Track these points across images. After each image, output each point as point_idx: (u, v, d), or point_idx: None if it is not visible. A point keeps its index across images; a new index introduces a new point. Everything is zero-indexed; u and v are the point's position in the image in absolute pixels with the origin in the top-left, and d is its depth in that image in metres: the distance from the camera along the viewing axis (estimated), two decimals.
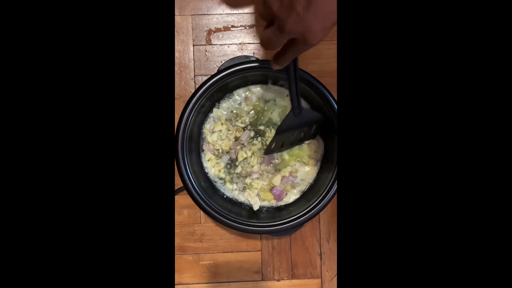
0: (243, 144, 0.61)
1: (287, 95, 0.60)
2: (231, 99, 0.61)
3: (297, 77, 0.48)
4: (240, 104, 0.61)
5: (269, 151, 0.58)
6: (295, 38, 0.36)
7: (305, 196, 0.61)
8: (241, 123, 0.61)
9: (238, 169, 0.61)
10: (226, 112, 0.61)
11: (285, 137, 0.56)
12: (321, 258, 0.66)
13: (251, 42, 0.65)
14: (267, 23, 0.38)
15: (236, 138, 0.61)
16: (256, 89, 0.61)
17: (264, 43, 0.38)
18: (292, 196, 0.61)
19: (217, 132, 0.61)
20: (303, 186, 0.61)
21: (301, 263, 0.65)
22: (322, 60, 0.65)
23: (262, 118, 0.61)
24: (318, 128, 0.58)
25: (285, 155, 0.61)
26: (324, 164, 0.61)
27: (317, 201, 0.55)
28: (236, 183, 0.61)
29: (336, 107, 0.55)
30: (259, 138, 0.60)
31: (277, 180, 0.60)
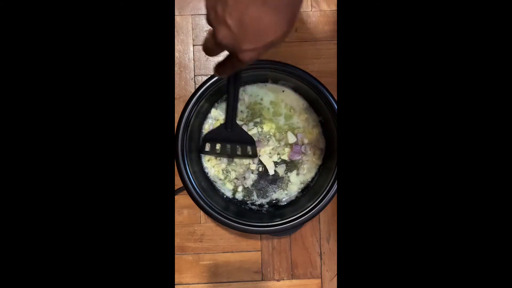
0: None
1: (283, 91, 0.61)
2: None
3: (237, 91, 0.48)
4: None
5: (201, 150, 0.59)
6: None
7: (305, 196, 0.61)
8: (240, 120, 0.61)
9: (232, 174, 0.61)
10: (223, 113, 0.61)
11: (219, 145, 0.57)
12: (321, 258, 0.66)
13: None
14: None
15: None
16: (252, 89, 0.61)
17: (203, 48, 0.37)
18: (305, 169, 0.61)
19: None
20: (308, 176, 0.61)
21: (301, 263, 0.65)
22: (322, 60, 0.65)
23: (258, 114, 0.61)
24: (253, 151, 0.58)
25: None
26: (324, 164, 0.61)
27: (317, 201, 0.55)
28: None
29: (336, 107, 0.55)
30: (258, 126, 0.61)
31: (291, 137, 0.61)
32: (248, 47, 0.32)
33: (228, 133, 0.54)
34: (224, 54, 0.37)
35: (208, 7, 0.32)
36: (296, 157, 0.61)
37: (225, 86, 0.50)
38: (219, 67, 0.40)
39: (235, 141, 0.56)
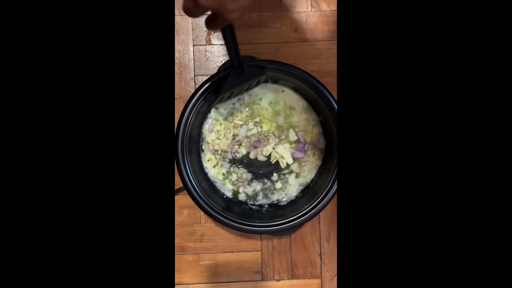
0: (239, 142, 0.61)
1: (283, 91, 0.61)
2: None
3: (234, 37, 0.48)
4: (234, 104, 0.61)
5: (216, 103, 0.58)
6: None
7: (305, 196, 0.61)
8: (240, 120, 0.61)
9: (234, 176, 0.61)
10: (224, 111, 0.61)
11: (232, 91, 0.56)
12: (321, 258, 0.66)
13: (251, 42, 0.65)
14: None
15: (234, 136, 0.61)
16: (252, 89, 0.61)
17: (185, 11, 0.38)
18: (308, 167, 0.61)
19: (215, 132, 0.61)
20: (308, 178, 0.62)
21: (301, 263, 0.65)
22: (322, 60, 0.65)
23: (258, 114, 0.61)
24: (264, 78, 0.57)
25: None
26: (324, 164, 0.61)
27: (317, 201, 0.55)
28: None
29: (336, 107, 0.55)
30: (257, 126, 0.61)
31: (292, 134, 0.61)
32: (233, 8, 0.34)
33: (238, 77, 0.54)
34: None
35: None
36: (299, 155, 0.61)
37: (223, 84, 0.51)
38: (209, 22, 0.41)
39: (247, 80, 0.55)
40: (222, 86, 0.54)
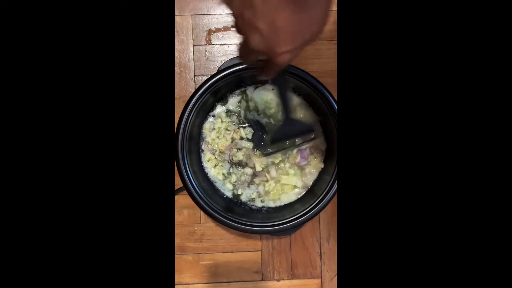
0: (238, 146, 0.61)
1: (272, 89, 0.61)
2: (234, 96, 0.62)
3: (287, 89, 0.49)
4: (240, 102, 0.61)
5: (266, 154, 0.60)
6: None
7: (305, 196, 0.61)
8: (242, 119, 0.61)
9: (233, 177, 0.61)
10: (232, 107, 0.62)
11: (279, 143, 0.59)
12: (321, 258, 0.66)
13: None
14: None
15: (233, 140, 0.61)
16: (255, 89, 0.61)
17: (239, 57, 0.37)
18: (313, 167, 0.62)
19: (216, 129, 0.61)
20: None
21: (301, 263, 0.65)
22: (322, 60, 0.65)
23: (261, 115, 0.61)
24: (313, 135, 0.60)
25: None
26: (325, 164, 0.61)
27: (317, 201, 0.55)
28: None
29: (336, 107, 0.55)
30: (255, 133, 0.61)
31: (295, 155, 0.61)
32: (283, 50, 0.31)
33: (289, 129, 0.54)
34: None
35: (235, 15, 0.31)
36: (303, 163, 0.61)
37: (224, 86, 0.51)
38: (261, 70, 0.39)
39: (297, 134, 0.58)
40: (272, 134, 0.56)
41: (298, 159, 0.61)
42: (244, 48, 0.34)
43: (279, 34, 0.30)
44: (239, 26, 0.31)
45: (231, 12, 0.31)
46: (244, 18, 0.30)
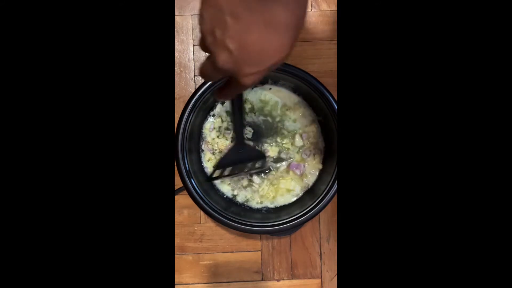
0: None
1: (270, 88, 0.61)
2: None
3: (242, 113, 0.48)
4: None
5: (210, 179, 0.58)
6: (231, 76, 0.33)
7: (305, 196, 0.61)
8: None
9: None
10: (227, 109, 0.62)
11: (230, 167, 0.57)
12: (321, 258, 0.66)
13: None
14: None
15: (232, 139, 0.61)
16: (255, 89, 0.61)
17: (200, 74, 0.35)
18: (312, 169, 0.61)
19: (215, 130, 0.61)
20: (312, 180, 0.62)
21: (301, 263, 0.65)
22: (322, 60, 0.65)
23: (257, 113, 0.61)
24: (264, 164, 0.58)
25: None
26: (324, 164, 0.61)
27: (317, 201, 0.55)
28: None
29: (336, 107, 0.55)
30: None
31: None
32: (250, 71, 0.31)
33: (239, 154, 0.54)
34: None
35: (204, 32, 0.30)
36: (299, 173, 0.61)
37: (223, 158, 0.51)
38: (220, 91, 0.38)
39: (246, 160, 0.56)
40: (221, 159, 0.55)
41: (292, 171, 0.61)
42: (208, 66, 0.33)
43: (248, 55, 0.30)
44: (207, 43, 0.31)
45: (200, 28, 0.31)
46: (215, 36, 0.29)
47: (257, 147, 0.60)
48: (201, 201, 0.55)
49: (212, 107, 0.61)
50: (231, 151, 0.54)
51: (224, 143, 0.61)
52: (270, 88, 0.61)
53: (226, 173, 0.57)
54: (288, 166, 0.61)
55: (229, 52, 0.29)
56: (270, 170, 0.60)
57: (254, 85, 0.32)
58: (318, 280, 0.65)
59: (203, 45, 0.31)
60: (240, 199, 0.61)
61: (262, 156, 0.56)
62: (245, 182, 0.61)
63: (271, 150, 0.61)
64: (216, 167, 0.56)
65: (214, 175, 0.57)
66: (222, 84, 0.38)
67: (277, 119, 0.61)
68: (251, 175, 0.61)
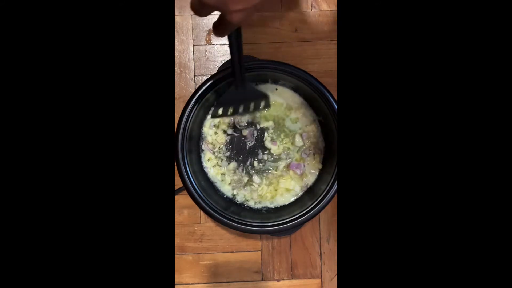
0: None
1: (276, 89, 0.61)
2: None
3: (240, 48, 0.47)
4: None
5: (215, 115, 0.58)
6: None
7: (305, 196, 0.61)
8: (242, 120, 0.61)
9: (227, 179, 0.61)
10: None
11: (231, 106, 0.56)
12: (321, 258, 0.66)
13: (251, 42, 0.65)
14: None
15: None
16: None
17: (192, 9, 0.37)
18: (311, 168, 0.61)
19: (215, 126, 0.61)
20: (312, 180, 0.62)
21: (301, 263, 0.65)
22: (322, 60, 0.65)
23: (260, 115, 0.62)
24: (267, 103, 0.58)
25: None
26: (324, 164, 0.61)
27: (317, 201, 0.55)
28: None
29: (336, 107, 0.55)
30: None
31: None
32: (236, 7, 0.32)
33: (240, 93, 0.53)
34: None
35: None
36: (297, 172, 0.61)
37: (223, 95, 0.50)
38: (216, 27, 0.40)
39: (249, 99, 0.55)
40: (221, 97, 0.54)
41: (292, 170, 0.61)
42: (196, 1, 0.34)
43: None
44: None
45: None
46: None
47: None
48: (201, 201, 0.55)
49: (208, 110, 0.61)
50: (229, 91, 0.53)
51: (222, 138, 0.61)
52: (277, 89, 0.61)
53: (227, 113, 0.56)
54: (288, 165, 0.61)
55: None
56: (269, 107, 0.60)
57: (245, 25, 0.34)
58: (318, 280, 0.65)
59: None
60: (239, 198, 0.61)
61: (264, 95, 0.56)
62: (245, 178, 0.61)
63: (276, 148, 0.61)
64: (217, 105, 0.55)
65: (219, 113, 0.56)
66: (216, 21, 0.39)
67: (280, 120, 0.61)
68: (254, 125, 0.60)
